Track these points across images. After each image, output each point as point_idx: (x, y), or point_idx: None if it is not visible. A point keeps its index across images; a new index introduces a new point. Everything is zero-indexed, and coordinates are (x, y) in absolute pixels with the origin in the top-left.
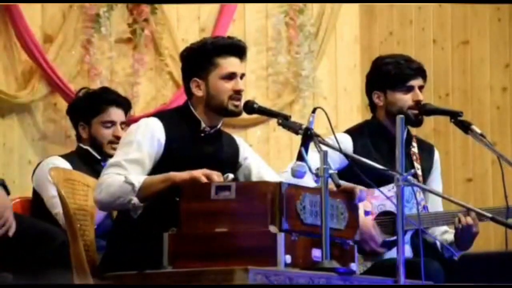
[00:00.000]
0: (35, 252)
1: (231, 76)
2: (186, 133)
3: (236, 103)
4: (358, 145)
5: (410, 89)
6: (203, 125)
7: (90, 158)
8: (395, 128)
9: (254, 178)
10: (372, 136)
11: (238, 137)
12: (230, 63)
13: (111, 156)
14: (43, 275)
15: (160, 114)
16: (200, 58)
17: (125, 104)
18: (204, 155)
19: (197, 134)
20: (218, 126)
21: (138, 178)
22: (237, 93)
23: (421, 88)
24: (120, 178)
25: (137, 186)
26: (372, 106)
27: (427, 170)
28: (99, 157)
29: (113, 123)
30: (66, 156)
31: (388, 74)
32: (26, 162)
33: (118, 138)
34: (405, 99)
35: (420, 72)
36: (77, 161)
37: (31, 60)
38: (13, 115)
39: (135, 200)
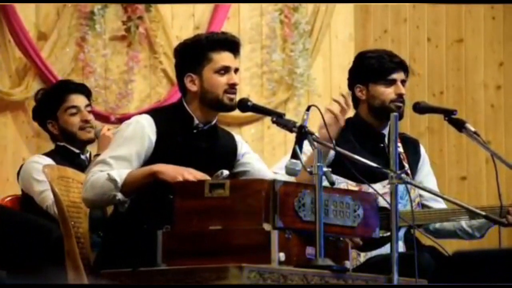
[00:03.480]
0: (31, 247)
1: (225, 70)
2: (178, 130)
3: (232, 96)
4: (341, 143)
5: (392, 82)
6: (196, 121)
7: (70, 153)
8: (378, 123)
9: (253, 174)
10: (355, 133)
11: (236, 134)
12: (223, 58)
13: (87, 141)
14: (39, 271)
15: (152, 111)
16: (194, 53)
17: (83, 89)
18: (196, 152)
19: (190, 130)
20: (213, 122)
21: (120, 173)
22: (232, 87)
23: (403, 82)
24: (103, 176)
25: (120, 182)
26: (355, 101)
27: (414, 165)
28: (77, 151)
29: (77, 108)
30: (47, 154)
31: (371, 67)
32: (20, 159)
33: (87, 122)
34: (387, 92)
35: (402, 66)
36: (58, 158)
37: (25, 57)
38: (7, 112)
39: (119, 196)
